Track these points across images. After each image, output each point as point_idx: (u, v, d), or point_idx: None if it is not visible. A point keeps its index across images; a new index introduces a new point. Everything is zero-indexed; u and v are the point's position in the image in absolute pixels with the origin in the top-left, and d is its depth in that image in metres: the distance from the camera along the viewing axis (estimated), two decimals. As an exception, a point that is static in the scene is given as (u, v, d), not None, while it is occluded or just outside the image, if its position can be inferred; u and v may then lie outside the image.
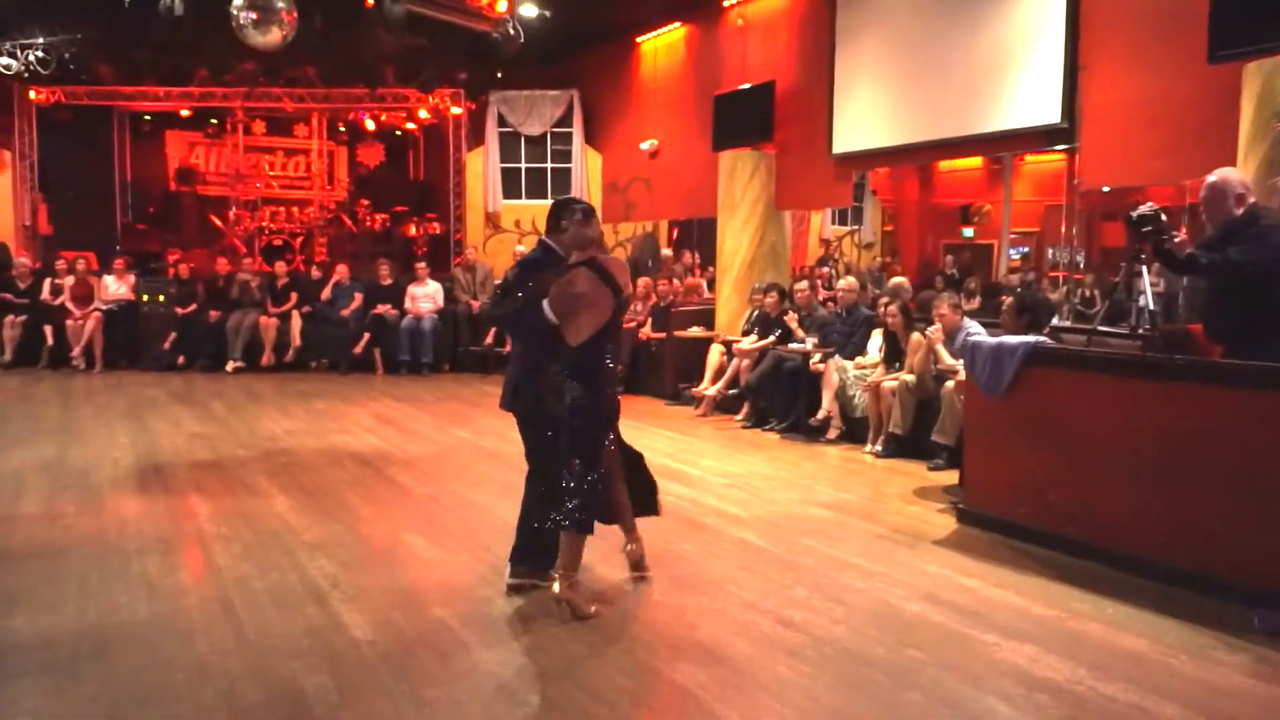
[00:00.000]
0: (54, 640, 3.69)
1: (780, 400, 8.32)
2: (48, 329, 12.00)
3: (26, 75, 12.87)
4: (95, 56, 13.40)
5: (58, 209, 14.73)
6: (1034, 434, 4.96)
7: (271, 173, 16.76)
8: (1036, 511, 4.95)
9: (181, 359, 12.03)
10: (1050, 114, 7.66)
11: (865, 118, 9.34)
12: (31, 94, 13.96)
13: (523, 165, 14.12)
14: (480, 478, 6.37)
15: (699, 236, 13.84)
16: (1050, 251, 13.73)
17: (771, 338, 8.74)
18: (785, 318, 8.67)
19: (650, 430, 8.35)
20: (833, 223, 15.44)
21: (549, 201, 13.55)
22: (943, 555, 4.89)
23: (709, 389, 9.17)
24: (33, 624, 3.84)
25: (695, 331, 10.17)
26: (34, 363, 11.95)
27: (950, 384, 6.63)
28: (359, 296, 12.30)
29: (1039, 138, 7.96)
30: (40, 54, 12.57)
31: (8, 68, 12.59)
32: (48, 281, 12.41)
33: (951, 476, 6.33)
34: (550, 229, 4.17)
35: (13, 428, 8.11)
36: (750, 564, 4.70)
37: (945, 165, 15.04)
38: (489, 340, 11.97)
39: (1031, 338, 5.14)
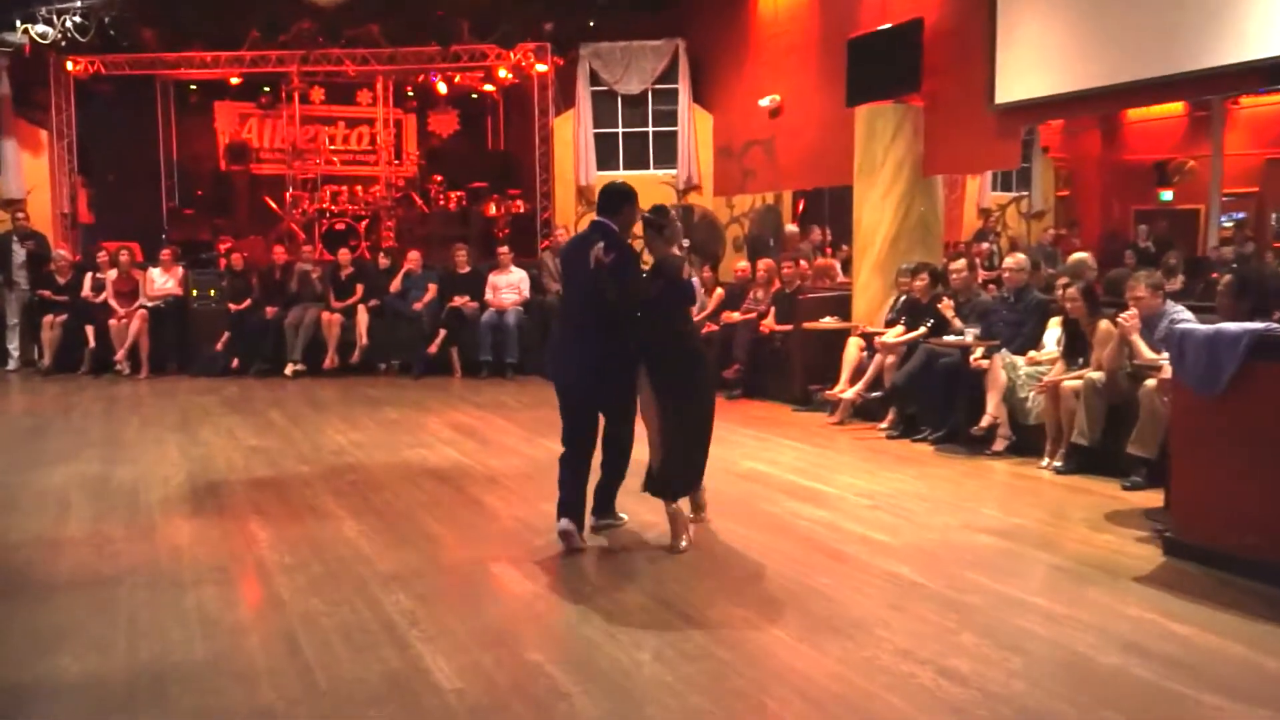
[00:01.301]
0: (104, 682, 3.83)
1: (934, 404, 8.23)
2: (89, 329, 12.65)
3: (64, 44, 13.54)
4: (137, 20, 14.02)
5: (98, 194, 15.53)
6: (1262, 444, 4.81)
7: (332, 147, 17.35)
8: (1268, 541, 4.76)
9: (236, 362, 12.51)
10: (1276, 44, 7.28)
11: (1035, 59, 9.13)
12: (69, 65, 14.70)
13: (620, 130, 14.25)
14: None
15: (831, 209, 13.75)
16: (1275, 217, 13.12)
17: (922, 328, 8.65)
18: (938, 304, 8.56)
19: (775, 441, 8.35)
20: (994, 188, 15.27)
21: (653, 173, 13.74)
22: (1146, 595, 4.76)
23: (846, 391, 9.13)
24: (80, 663, 4.00)
25: (828, 322, 10.12)
26: (74, 368, 12.62)
27: (1150, 383, 6.50)
28: (433, 287, 12.55)
29: (1261, 75, 7.62)
30: (78, 19, 13.23)
31: (43, 36, 13.27)
32: (89, 276, 13.07)
33: (1153, 498, 6.22)
34: (608, 211, 5.38)
35: (54, 442, 8.56)
36: (903, 602, 4.66)
37: (1136, 114, 14.54)
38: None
39: (1258, 324, 4.98)
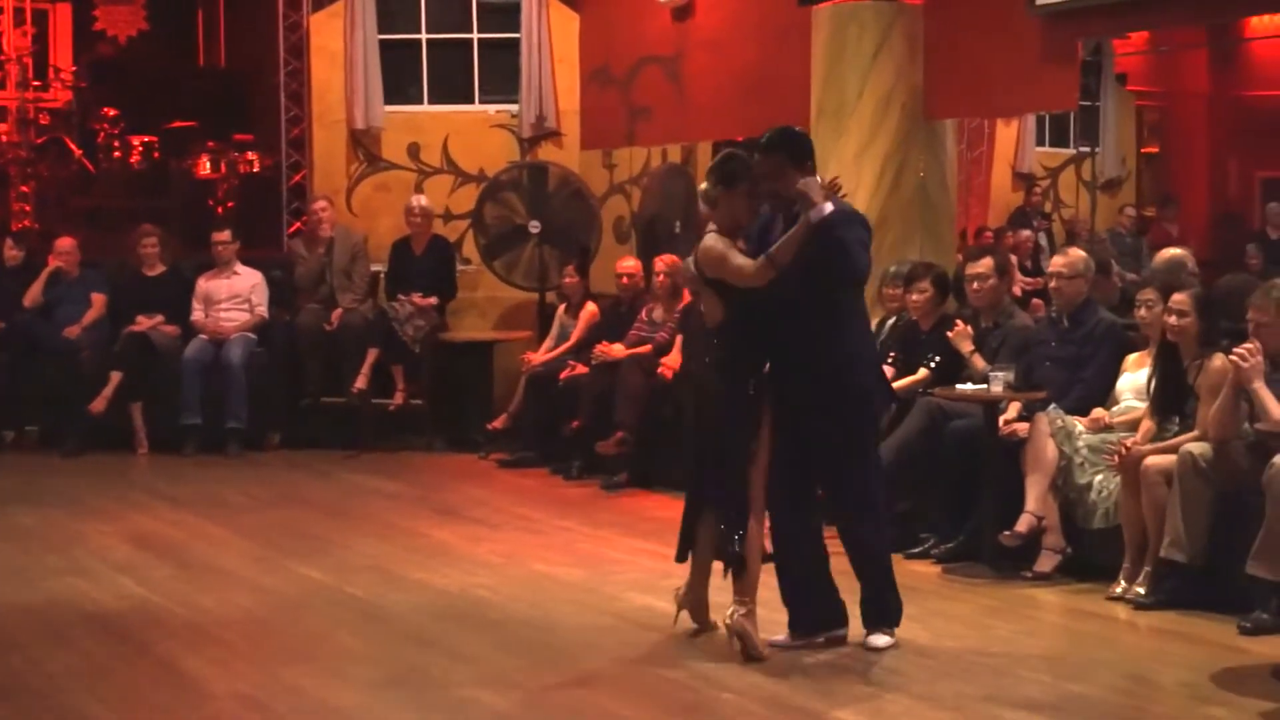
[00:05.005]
0: None
1: (940, 495, 7.73)
2: None
3: None
4: None
5: None
6: None
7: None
8: None
9: None
10: None
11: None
12: None
13: (423, 36, 12.85)
14: (346, 657, 5.96)
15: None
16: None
17: (921, 371, 8.10)
18: (948, 332, 7.92)
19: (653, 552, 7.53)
20: (1040, 142, 14.89)
21: (480, 109, 12.82)
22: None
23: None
24: None
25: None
26: None
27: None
28: (99, 300, 11.19)
29: None
30: None
31: None
32: None
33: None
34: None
35: None
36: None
37: (1263, 23, 14.10)
38: (365, 375, 10.38)
39: None
